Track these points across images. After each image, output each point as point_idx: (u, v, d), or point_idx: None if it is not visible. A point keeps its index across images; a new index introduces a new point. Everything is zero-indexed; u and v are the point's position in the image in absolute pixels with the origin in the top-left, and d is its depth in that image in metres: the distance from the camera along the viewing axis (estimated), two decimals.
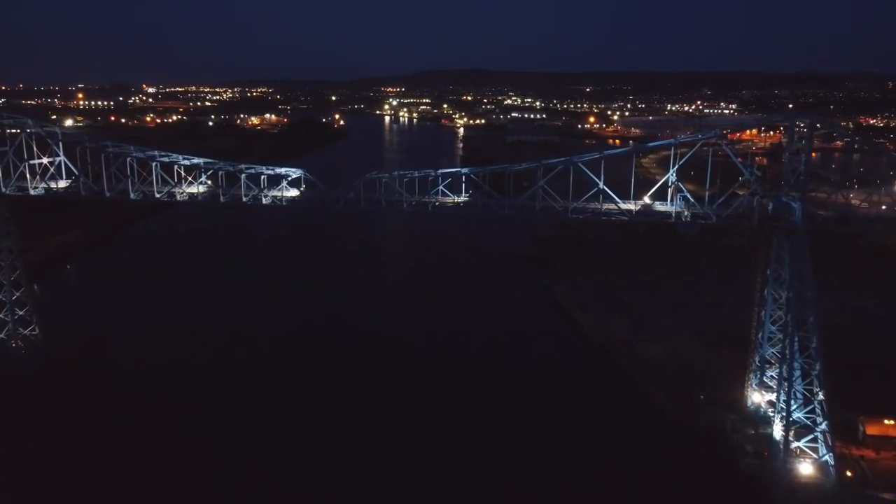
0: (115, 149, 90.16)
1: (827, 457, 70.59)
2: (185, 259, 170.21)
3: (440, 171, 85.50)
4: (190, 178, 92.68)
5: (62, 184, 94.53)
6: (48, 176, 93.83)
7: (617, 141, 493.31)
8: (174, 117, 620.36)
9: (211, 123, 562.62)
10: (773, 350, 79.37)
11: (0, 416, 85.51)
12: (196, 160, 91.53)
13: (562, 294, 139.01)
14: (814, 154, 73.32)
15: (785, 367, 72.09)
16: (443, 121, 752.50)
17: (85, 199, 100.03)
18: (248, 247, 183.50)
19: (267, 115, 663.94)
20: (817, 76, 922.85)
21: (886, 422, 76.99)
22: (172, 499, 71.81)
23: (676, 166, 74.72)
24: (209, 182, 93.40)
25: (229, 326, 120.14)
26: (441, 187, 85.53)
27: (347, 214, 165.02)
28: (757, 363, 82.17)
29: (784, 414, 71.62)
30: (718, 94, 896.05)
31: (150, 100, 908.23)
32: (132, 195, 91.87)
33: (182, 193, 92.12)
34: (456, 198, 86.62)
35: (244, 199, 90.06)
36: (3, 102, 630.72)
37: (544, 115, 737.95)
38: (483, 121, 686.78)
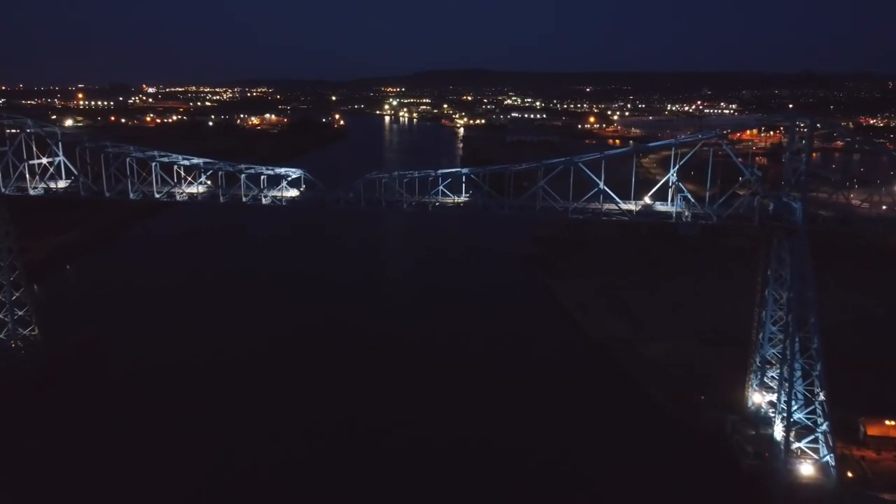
0: (115, 149, 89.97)
1: (828, 457, 70.48)
2: (184, 259, 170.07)
3: (440, 171, 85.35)
4: (189, 179, 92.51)
5: (62, 184, 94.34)
6: (48, 176, 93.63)
7: (617, 141, 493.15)
8: (174, 117, 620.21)
9: (211, 123, 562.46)
10: (774, 350, 79.26)
11: (0, 416, 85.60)
12: (196, 160, 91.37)
13: (562, 294, 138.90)
14: (814, 154, 73.04)
15: (786, 367, 71.95)
16: (443, 121, 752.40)
17: (84, 200, 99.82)
18: (247, 247, 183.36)
19: (267, 115, 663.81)
20: (817, 76, 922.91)
21: (887, 422, 76.95)
22: (173, 499, 71.72)
23: (677, 166, 74.59)
24: (209, 182, 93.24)
25: (229, 326, 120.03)
26: (441, 187, 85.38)
27: (347, 215, 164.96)
28: (758, 363, 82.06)
29: (785, 415, 71.48)
30: (718, 94, 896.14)
31: (150, 100, 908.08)
32: (132, 195, 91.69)
33: (182, 194, 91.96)
34: (456, 198, 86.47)
35: (244, 199, 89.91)
36: (3, 102, 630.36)
37: (544, 115, 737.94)
38: (483, 121, 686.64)
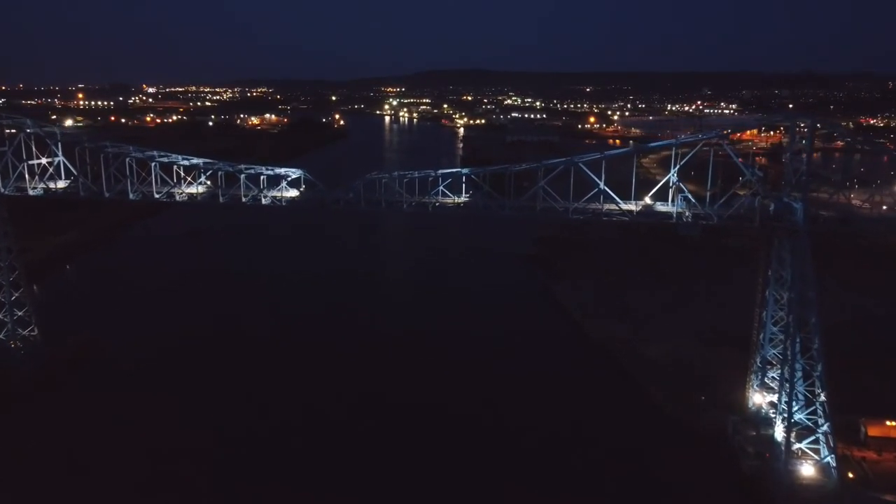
0: (115, 149, 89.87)
1: (828, 458, 70.34)
2: (184, 259, 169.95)
3: (440, 171, 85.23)
4: (189, 179, 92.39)
5: (61, 184, 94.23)
6: (47, 176, 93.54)
7: (617, 141, 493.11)
8: (174, 117, 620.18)
9: (211, 123, 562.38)
10: (775, 351, 79.10)
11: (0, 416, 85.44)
12: (195, 160, 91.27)
13: (562, 294, 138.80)
14: (815, 154, 72.92)
15: (786, 368, 71.80)
16: (443, 121, 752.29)
17: (84, 200, 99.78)
18: (247, 247, 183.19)
19: (267, 115, 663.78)
20: (817, 76, 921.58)
21: (888, 423, 76.78)
22: (173, 498, 71.59)
23: (678, 167, 74.42)
24: (208, 182, 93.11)
25: (229, 326, 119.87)
26: (441, 188, 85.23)
27: (347, 215, 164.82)
28: (758, 364, 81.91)
29: (785, 415, 71.34)
30: (718, 94, 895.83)
31: (150, 100, 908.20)
32: (131, 195, 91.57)
33: (181, 194, 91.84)
34: (456, 198, 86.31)
35: (243, 199, 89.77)
36: (3, 102, 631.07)
37: (544, 115, 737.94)
38: (483, 121, 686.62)
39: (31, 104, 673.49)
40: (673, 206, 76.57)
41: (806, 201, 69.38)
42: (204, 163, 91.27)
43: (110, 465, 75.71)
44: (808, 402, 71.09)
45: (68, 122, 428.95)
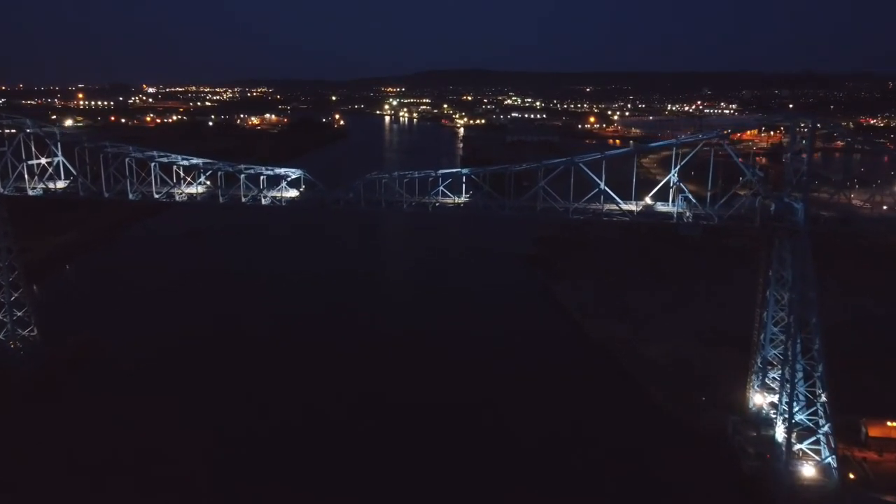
0: (114, 149, 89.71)
1: (829, 459, 70.24)
2: (184, 259, 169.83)
3: (440, 171, 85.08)
4: (189, 179, 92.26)
5: (60, 184, 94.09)
6: (46, 176, 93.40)
7: (617, 141, 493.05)
8: (174, 117, 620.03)
9: (211, 123, 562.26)
10: (775, 351, 78.94)
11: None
12: (195, 160, 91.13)
13: (562, 294, 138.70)
14: (815, 154, 72.76)
15: (787, 368, 71.69)
16: (443, 121, 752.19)
17: (83, 200, 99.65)
18: (247, 247, 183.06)
19: (267, 115, 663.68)
20: (817, 76, 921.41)
21: (889, 423, 76.65)
22: (173, 498, 71.51)
23: (678, 167, 74.29)
24: (208, 182, 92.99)
25: (228, 326, 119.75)
26: (441, 188, 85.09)
27: (347, 215, 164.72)
28: (759, 364, 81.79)
29: (786, 416, 71.23)
30: (718, 94, 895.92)
31: (150, 100, 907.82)
32: (131, 196, 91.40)
33: (181, 194, 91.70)
34: (456, 198, 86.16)
35: (243, 199, 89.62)
36: (3, 102, 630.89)
37: (544, 115, 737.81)
38: (483, 121, 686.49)
39: (31, 104, 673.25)
40: (673, 206, 76.44)
41: (807, 201, 69.29)
42: (203, 163, 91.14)
43: (110, 465, 75.60)
44: (809, 403, 70.99)
45: (68, 122, 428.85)
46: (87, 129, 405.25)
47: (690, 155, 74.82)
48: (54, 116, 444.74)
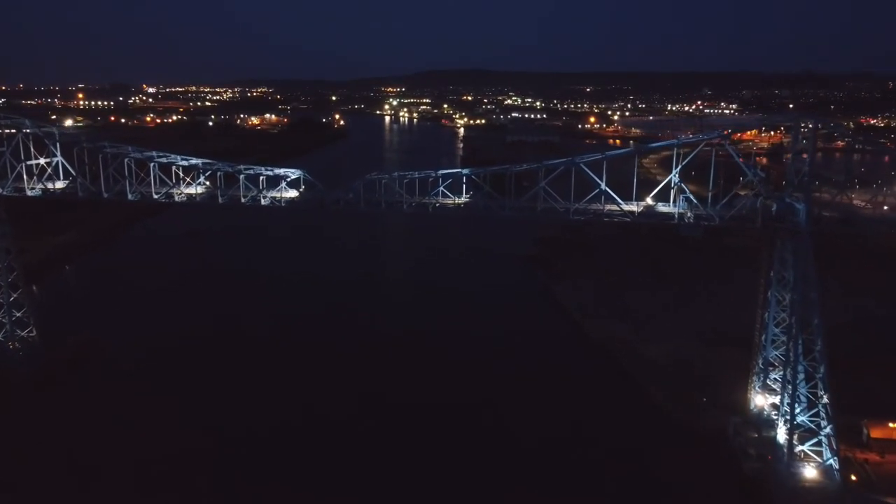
0: (113, 149, 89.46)
1: (831, 460, 69.96)
2: (184, 260, 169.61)
3: (440, 171, 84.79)
4: (188, 179, 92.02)
5: (59, 184, 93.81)
6: (45, 177, 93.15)
7: (617, 141, 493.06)
8: (174, 117, 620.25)
9: (211, 123, 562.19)
10: (777, 352, 78.65)
11: None
12: (194, 161, 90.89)
13: (562, 294, 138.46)
14: (817, 154, 72.49)
15: (789, 369, 71.38)
16: (443, 121, 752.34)
17: (83, 200, 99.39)
18: (247, 247, 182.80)
19: (267, 115, 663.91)
20: (817, 76, 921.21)
21: (891, 424, 76.44)
22: (173, 498, 71.31)
23: (679, 167, 74.03)
24: (207, 183, 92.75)
25: (228, 327, 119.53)
26: (441, 188, 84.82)
27: (347, 216, 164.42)
28: (760, 365, 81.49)
29: (788, 417, 70.95)
30: (718, 94, 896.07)
31: (150, 100, 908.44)
32: (130, 196, 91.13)
33: (180, 194, 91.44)
34: (456, 199, 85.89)
35: (243, 199, 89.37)
36: (3, 102, 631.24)
37: (544, 115, 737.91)
38: (483, 121, 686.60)
39: (31, 104, 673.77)
40: (675, 206, 76.18)
41: (808, 202, 69.00)
42: (203, 163, 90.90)
43: (110, 465, 75.40)
44: (811, 404, 70.68)
45: (68, 123, 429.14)
46: (86, 130, 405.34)
47: (692, 155, 74.57)
48: (54, 116, 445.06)
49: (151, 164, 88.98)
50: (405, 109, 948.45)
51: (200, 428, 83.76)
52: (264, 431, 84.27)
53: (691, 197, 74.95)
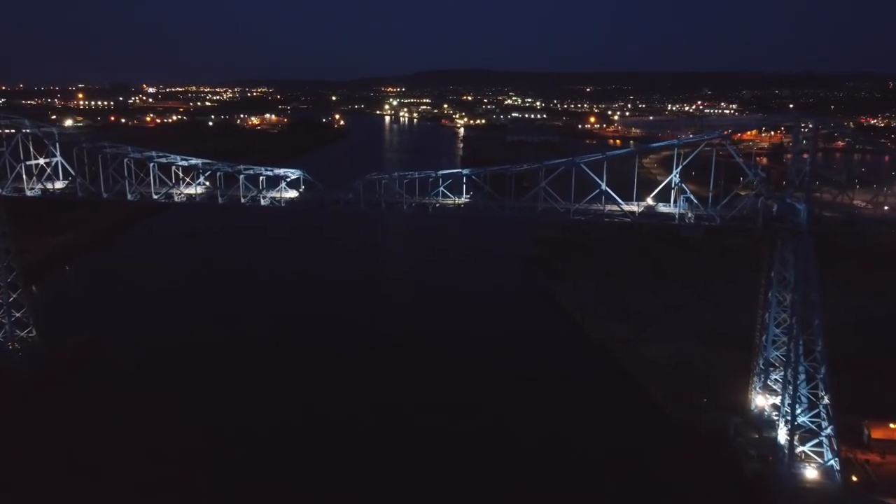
0: (113, 149, 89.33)
1: (832, 461, 69.85)
2: (184, 260, 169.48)
3: (440, 171, 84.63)
4: (188, 179, 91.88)
5: (59, 185, 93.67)
6: (45, 177, 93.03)
7: (618, 141, 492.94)
8: (174, 117, 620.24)
9: (211, 123, 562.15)
10: (778, 353, 78.52)
11: None
12: (194, 161, 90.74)
13: (562, 294, 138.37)
14: (818, 154, 72.37)
15: (789, 370, 71.29)
16: (443, 121, 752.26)
17: (82, 201, 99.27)
18: (247, 248, 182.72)
19: (267, 115, 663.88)
20: (817, 76, 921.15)
21: (892, 425, 76.34)
22: (173, 498, 71.22)
23: (680, 167, 73.91)
24: (207, 183, 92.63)
25: (228, 327, 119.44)
26: (441, 188, 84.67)
27: (347, 216, 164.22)
28: (761, 366, 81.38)
29: (788, 418, 70.87)
30: (718, 94, 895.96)
31: (150, 100, 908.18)
32: (129, 196, 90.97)
33: (180, 194, 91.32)
34: (456, 199, 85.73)
35: (242, 200, 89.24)
36: (3, 102, 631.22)
37: (545, 115, 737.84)
38: (483, 121, 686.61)
39: (31, 104, 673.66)
40: (675, 207, 76.05)
41: (809, 202, 68.88)
42: (202, 163, 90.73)
43: (110, 465, 75.29)
44: (812, 405, 70.56)
45: (68, 123, 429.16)
46: (86, 130, 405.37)
47: (692, 155, 74.44)
48: (54, 116, 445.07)
49: (151, 165, 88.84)
50: (405, 109, 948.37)
51: (200, 428, 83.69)
52: (264, 431, 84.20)
53: (692, 197, 74.82)
